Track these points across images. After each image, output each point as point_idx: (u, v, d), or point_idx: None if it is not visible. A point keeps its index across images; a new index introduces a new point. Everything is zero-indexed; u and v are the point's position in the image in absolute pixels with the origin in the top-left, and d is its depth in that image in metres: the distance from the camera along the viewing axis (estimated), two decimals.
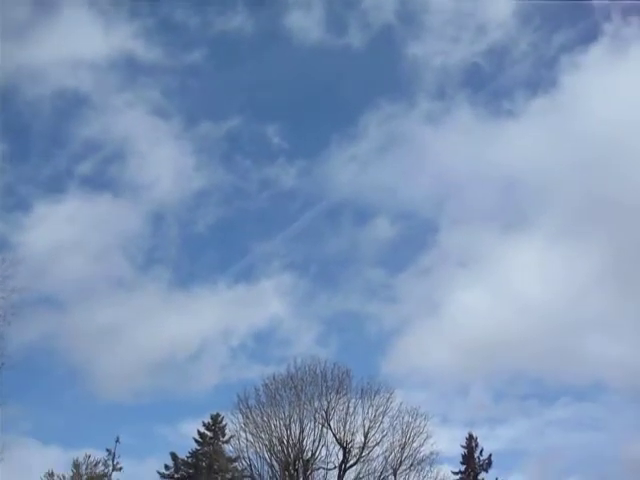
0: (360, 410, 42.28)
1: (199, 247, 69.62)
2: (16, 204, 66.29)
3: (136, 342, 58.16)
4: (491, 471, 48.95)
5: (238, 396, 42.78)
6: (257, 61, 73.35)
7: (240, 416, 42.58)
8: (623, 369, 54.16)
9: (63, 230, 64.01)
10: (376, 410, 42.33)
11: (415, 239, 68.59)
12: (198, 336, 59.75)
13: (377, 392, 42.72)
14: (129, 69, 71.57)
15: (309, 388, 42.62)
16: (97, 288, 62.49)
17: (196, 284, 65.66)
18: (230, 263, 67.36)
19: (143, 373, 57.38)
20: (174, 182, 69.57)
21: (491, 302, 61.01)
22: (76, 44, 68.52)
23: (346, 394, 42.66)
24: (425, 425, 42.36)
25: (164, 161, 70.60)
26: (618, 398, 58.61)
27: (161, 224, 68.62)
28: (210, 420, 48.27)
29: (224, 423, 47.13)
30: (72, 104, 70.47)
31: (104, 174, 69.10)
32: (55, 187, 70.28)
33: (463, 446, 49.31)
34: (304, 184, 70.63)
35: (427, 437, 42.09)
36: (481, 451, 49.23)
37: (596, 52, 68.76)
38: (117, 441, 46.92)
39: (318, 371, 42.87)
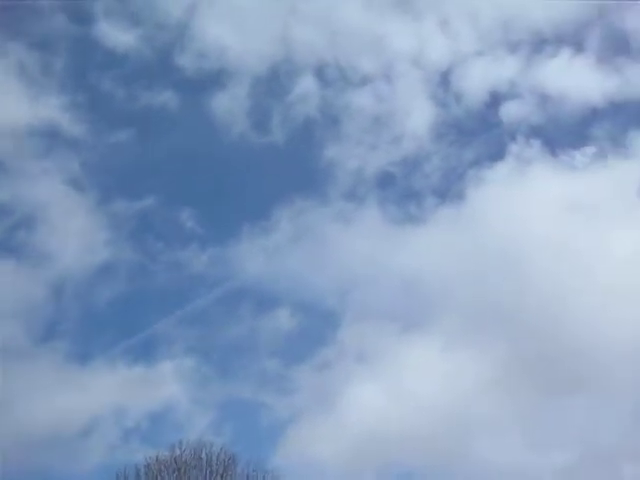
0: None
1: (100, 323, 67.18)
2: None
3: (22, 416, 54.55)
4: None
5: (117, 476, 41.23)
6: (178, 142, 73.69)
7: None
8: (512, 469, 54.56)
9: None
10: None
11: (315, 332, 68.25)
12: (89, 413, 57.23)
13: (263, 479, 42.17)
14: (51, 139, 70.22)
15: (193, 472, 41.49)
16: None
17: (94, 360, 63.28)
18: (130, 342, 65.26)
19: (25, 449, 54.19)
20: (81, 254, 67.78)
21: (386, 399, 61.03)
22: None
23: (231, 479, 41.77)
24: None
25: (73, 233, 68.92)
26: None
27: (63, 295, 66.28)
28: None
29: None
30: None
31: (10, 238, 66.83)
32: None
33: None
34: (213, 270, 70.28)
35: None
36: None
37: (501, 169, 71.90)
38: None
39: (203, 455, 41.97)
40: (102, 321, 67.80)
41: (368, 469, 55.75)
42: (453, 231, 69.94)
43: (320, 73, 74.68)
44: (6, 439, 52.78)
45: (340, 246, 70.02)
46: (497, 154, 73.13)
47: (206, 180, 74.66)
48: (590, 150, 71.40)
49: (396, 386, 61.99)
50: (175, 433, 42.46)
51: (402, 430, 56.72)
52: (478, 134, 77.28)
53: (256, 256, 70.30)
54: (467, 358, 62.15)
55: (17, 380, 57.77)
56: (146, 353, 66.18)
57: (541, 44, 74.36)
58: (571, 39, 74.43)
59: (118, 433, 58.89)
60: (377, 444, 55.85)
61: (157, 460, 41.70)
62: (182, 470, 41.45)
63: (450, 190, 73.79)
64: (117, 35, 71.69)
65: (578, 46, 74.36)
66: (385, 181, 75.33)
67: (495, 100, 74.41)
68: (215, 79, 74.68)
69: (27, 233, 67.21)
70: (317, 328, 68.14)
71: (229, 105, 73.90)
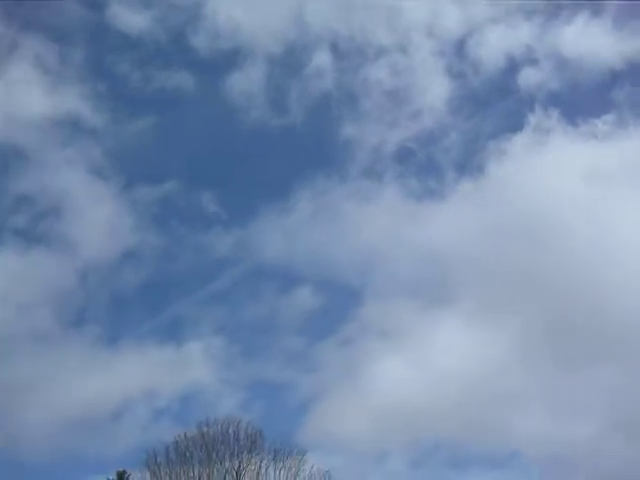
0: (272, 472, 42.00)
1: (127, 306, 68.23)
2: None
3: (55, 399, 56.03)
4: None
5: (146, 453, 42.10)
6: (196, 125, 74.35)
7: (148, 474, 41.78)
8: (537, 440, 54.75)
9: None
10: (288, 472, 41.96)
11: (337, 309, 68.61)
12: (120, 395, 57.89)
13: (290, 454, 42.50)
14: (73, 129, 71.22)
15: (220, 447, 42.04)
16: (19, 342, 60.54)
17: (123, 343, 64.36)
18: (157, 324, 66.19)
19: (59, 432, 55.19)
20: (106, 240, 68.78)
21: (410, 373, 61.31)
22: (19, 101, 69.10)
23: (258, 454, 42.31)
24: None
25: (99, 219, 69.92)
26: (534, 466, 58.82)
27: (90, 281, 67.34)
28: (115, 477, 46.57)
29: None
30: (9, 159, 69.31)
31: (38, 228, 68.07)
32: None
33: None
34: (235, 251, 70.91)
35: None
36: None
37: (520, 141, 71.23)
38: None
39: (231, 430, 42.38)
40: (130, 305, 68.88)
41: (395, 442, 56.28)
42: (474, 204, 69.79)
43: (335, 48, 74.58)
44: (40, 422, 54.96)
45: (360, 223, 70.21)
46: (516, 125, 72.64)
47: (225, 162, 75.32)
48: (610, 118, 70.60)
49: (420, 360, 62.27)
50: (204, 412, 42.68)
51: (428, 403, 57.04)
52: (496, 105, 76.97)
53: (277, 236, 70.84)
54: (491, 330, 62.31)
55: (49, 365, 59.39)
56: (174, 335, 67.06)
57: (557, 9, 74.16)
58: (587, 2, 74.10)
59: (149, 414, 59.76)
60: (403, 418, 56.21)
61: (185, 437, 42.32)
62: (210, 446, 41.93)
63: (470, 163, 73.61)
64: (130, 18, 72.18)
65: (595, 9, 73.84)
66: (404, 157, 75.33)
67: (512, 67, 73.94)
68: (230, 59, 74.96)
69: (54, 222, 68.40)
70: (339, 305, 68.54)
71: (245, 84, 74.11)
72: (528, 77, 73.31)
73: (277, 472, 41.85)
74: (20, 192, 67.30)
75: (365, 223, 70.21)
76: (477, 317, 64.54)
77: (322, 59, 74.05)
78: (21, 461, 53.64)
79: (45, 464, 55.12)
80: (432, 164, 74.62)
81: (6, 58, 70.24)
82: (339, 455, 52.17)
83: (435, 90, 74.28)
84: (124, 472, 46.16)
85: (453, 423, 56.23)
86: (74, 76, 72.58)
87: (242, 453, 42.02)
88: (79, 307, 66.65)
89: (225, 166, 74.90)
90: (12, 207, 67.87)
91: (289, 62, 75.31)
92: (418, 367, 61.97)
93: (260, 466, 41.77)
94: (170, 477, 41.43)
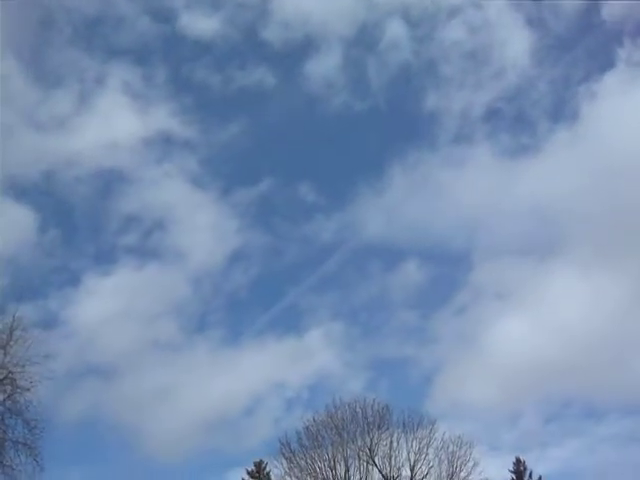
0: (404, 444, 41.89)
1: (243, 305, 70.94)
2: (66, 280, 69.08)
3: (188, 403, 58.40)
4: None
5: (280, 441, 42.88)
6: (281, 118, 75.48)
7: (284, 461, 42.46)
8: None
9: (110, 300, 65.41)
10: (420, 442, 41.81)
11: (446, 278, 68.49)
12: (250, 391, 60.18)
13: (419, 424, 42.45)
14: (166, 145, 74.45)
15: (350, 426, 42.36)
16: (147, 354, 63.42)
17: (245, 341, 66.59)
18: (274, 318, 67.94)
19: (197, 433, 57.72)
20: (213, 246, 71.23)
21: (532, 330, 60.54)
22: (113, 127, 72.22)
23: (388, 429, 42.37)
24: (471, 453, 41.73)
25: (204, 227, 72.59)
26: None
27: (204, 287, 69.94)
28: (254, 467, 48.01)
29: (268, 470, 46.82)
30: (111, 182, 72.75)
31: (148, 243, 71.02)
32: (102, 260, 71.92)
33: (511, 471, 48.37)
34: (338, 236, 71.89)
35: (475, 465, 41.42)
36: (530, 474, 48.24)
37: (612, 79, 69.46)
38: None
39: (358, 409, 42.59)
40: (245, 303, 71.24)
41: (525, 401, 55.65)
42: (572, 152, 68.02)
43: (406, 16, 74.55)
44: (177, 426, 57.39)
45: (457, 189, 69.77)
46: (605, 63, 70.83)
47: (316, 151, 76.22)
48: None
49: (540, 316, 61.39)
50: (332, 396, 43.26)
51: (554, 358, 56.18)
52: (582, 46, 74.72)
53: (376, 214, 71.31)
54: (609, 277, 60.90)
55: (179, 371, 62.20)
56: (292, 325, 69.04)
57: None
58: None
59: (280, 405, 61.67)
60: (530, 376, 55.68)
61: (315, 421, 42.95)
62: (340, 427, 42.32)
63: (562, 112, 71.95)
64: (201, 24, 74.31)
65: None
66: (493, 117, 74.47)
67: (593, 3, 72.45)
68: (304, 47, 76.22)
69: (162, 235, 71.25)
70: (448, 274, 68.66)
71: (323, 70, 75.03)
72: (612, 9, 70.75)
73: (409, 443, 41.79)
74: (126, 212, 70.67)
75: (462, 188, 69.92)
76: (592, 265, 63.18)
77: (395, 31, 74.09)
78: (161, 463, 56.16)
79: (185, 465, 57.67)
80: (523, 119, 73.44)
81: (97, 89, 73.20)
82: (469, 421, 52.38)
83: (516, 43, 72.87)
84: (261, 462, 47.63)
85: (582, 375, 55.38)
86: (160, 94, 75.49)
87: (372, 430, 42.15)
88: (198, 313, 69.34)
89: (316, 155, 76.06)
90: (121, 227, 71.23)
91: (363, 40, 75.47)
92: (539, 324, 61.14)
93: (391, 440, 41.78)
94: (305, 461, 41.99)
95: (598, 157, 66.74)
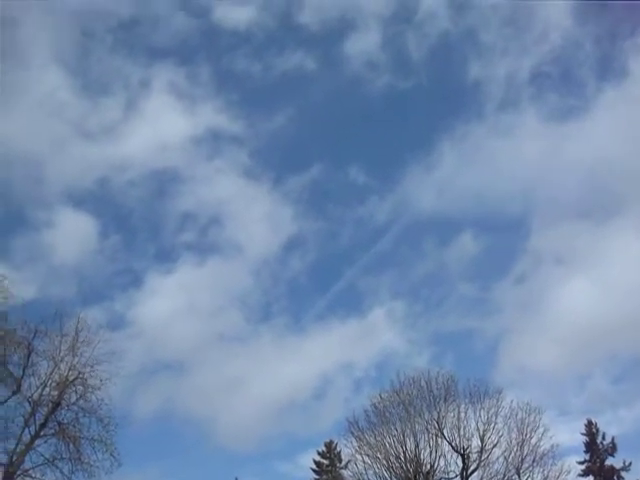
0: (472, 414, 41.75)
1: (304, 292, 72.12)
2: (130, 282, 72.37)
3: (258, 391, 59.62)
4: (618, 455, 47.35)
5: (348, 420, 43.06)
6: (326, 102, 75.20)
7: (353, 440, 42.70)
8: None
9: (175, 297, 68.34)
10: (488, 412, 41.62)
11: (504, 247, 67.93)
12: (319, 374, 61.39)
13: (486, 394, 42.13)
14: (215, 141, 75.72)
15: (417, 401, 42.28)
16: (214, 347, 64.62)
17: (309, 327, 67.35)
18: (336, 301, 68.49)
19: (268, 419, 58.69)
20: (270, 236, 71.99)
21: (595, 293, 59.92)
22: (161, 129, 75.16)
23: (454, 400, 42.20)
24: (540, 419, 41.58)
25: (259, 218, 73.54)
26: None
27: (264, 276, 70.99)
28: (324, 448, 48.42)
29: (339, 449, 47.19)
30: (165, 183, 74.84)
31: (206, 239, 71.90)
32: (163, 259, 74.61)
33: (583, 434, 47.83)
34: (392, 215, 71.62)
35: (545, 431, 41.29)
36: (603, 436, 47.65)
37: None
38: None
39: (423, 382, 42.47)
40: (305, 289, 72.41)
41: (592, 364, 54.90)
42: (621, 112, 66.62)
43: None
44: (249, 413, 59.29)
45: (508, 157, 69.06)
46: None
47: (363, 132, 75.99)
48: None
49: (603, 278, 60.77)
50: (397, 372, 43.57)
51: (619, 319, 55.36)
52: (624, 1, 72.43)
53: (428, 190, 71.14)
54: None
55: (249, 361, 64.34)
56: (354, 307, 69.49)
57: None
58: None
59: (348, 385, 62.31)
60: (596, 339, 55.03)
61: (381, 398, 42.84)
62: (407, 402, 42.25)
63: (609, 70, 70.43)
64: (235, 14, 76.18)
65: None
66: (539, 80, 72.70)
67: None
68: (341, 27, 76.86)
69: (219, 230, 72.55)
70: (505, 243, 68.39)
71: (362, 48, 74.81)
72: None
73: (477, 413, 41.59)
74: (182, 210, 72.44)
75: (513, 156, 69.11)
76: None
77: (431, 1, 72.62)
78: (235, 452, 57.16)
79: (258, 450, 60.00)
80: (569, 80, 71.82)
81: (143, 92, 74.02)
82: (537, 388, 52.06)
83: (556, 3, 71.00)
84: (331, 442, 48.06)
85: None
86: (204, 91, 76.75)
87: (439, 402, 42.07)
88: (260, 303, 70.33)
89: (364, 136, 76.08)
90: (178, 226, 73.00)
91: (399, 14, 74.87)
92: (600, 286, 60.37)
93: (459, 411, 41.65)
94: (374, 438, 42.02)
95: None
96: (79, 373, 33.59)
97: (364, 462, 41.87)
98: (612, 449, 47.28)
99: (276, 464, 61.80)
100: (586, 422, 48.05)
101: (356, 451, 42.33)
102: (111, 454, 33.22)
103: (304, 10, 74.35)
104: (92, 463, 33.01)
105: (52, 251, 66.48)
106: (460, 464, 40.74)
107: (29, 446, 32.26)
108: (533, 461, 40.81)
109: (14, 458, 31.72)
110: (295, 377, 59.59)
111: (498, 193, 67.90)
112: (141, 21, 75.85)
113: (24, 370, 32.69)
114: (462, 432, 41.04)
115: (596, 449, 47.08)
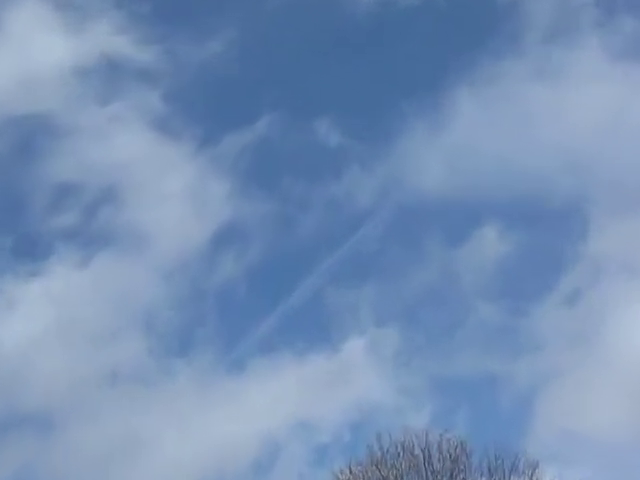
0: None
1: (241, 308, 56.68)
2: None
3: (170, 457, 46.55)
4: None
5: None
6: (285, 24, 60.88)
7: None
8: None
9: (42, 314, 52.49)
10: None
11: (546, 248, 53.38)
12: (261, 437, 47.69)
13: (514, 470, 32.66)
14: (113, 74, 59.91)
15: (408, 478, 32.98)
16: (102, 390, 50.59)
17: (248, 362, 52.75)
18: (291, 326, 53.92)
19: None
20: (192, 222, 57.37)
21: None
22: (29, 54, 58.92)
23: (466, 478, 32.95)
24: None
25: (175, 194, 59.17)
26: None
27: (181, 283, 55.97)
28: None
29: None
30: (33, 135, 58.36)
31: (93, 224, 56.99)
32: (26, 254, 56.30)
33: None
34: (380, 196, 57.42)
35: None
36: None
37: None
38: None
39: (418, 451, 32.91)
40: (245, 306, 55.31)
41: None
42: None
43: None
44: None
45: (555, 113, 54.24)
46: None
47: (340, 70, 60.06)
48: None
49: None
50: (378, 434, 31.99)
51: None
52: None
53: (434, 160, 55.91)
54: None
55: (153, 412, 48.92)
56: (320, 336, 52.27)
57: None
58: None
59: (306, 455, 48.01)
60: None
61: (351, 474, 33.03)
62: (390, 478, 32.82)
63: None
64: None
65: None
66: (596, 8, 58.36)
67: None
68: None
69: (112, 211, 56.56)
70: (549, 243, 54.09)
71: None
72: None
73: None
74: (58, 180, 56.12)
75: (563, 111, 54.77)
76: None
77: None
78: None
79: None
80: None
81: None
82: (591, 462, 40.16)
83: None
84: None
85: None
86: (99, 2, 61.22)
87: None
88: (175, 324, 54.63)
89: (339, 74, 59.64)
90: (51, 203, 56.12)
91: None
92: None
93: None
94: None
95: None
96: None
97: None
98: None
99: None
100: None
101: None
102: None
103: None
104: None
105: None
106: None
107: None
108: None
109: None
110: (226, 439, 45.92)
111: (538, 168, 53.15)
112: None
113: None
114: None
115: None
